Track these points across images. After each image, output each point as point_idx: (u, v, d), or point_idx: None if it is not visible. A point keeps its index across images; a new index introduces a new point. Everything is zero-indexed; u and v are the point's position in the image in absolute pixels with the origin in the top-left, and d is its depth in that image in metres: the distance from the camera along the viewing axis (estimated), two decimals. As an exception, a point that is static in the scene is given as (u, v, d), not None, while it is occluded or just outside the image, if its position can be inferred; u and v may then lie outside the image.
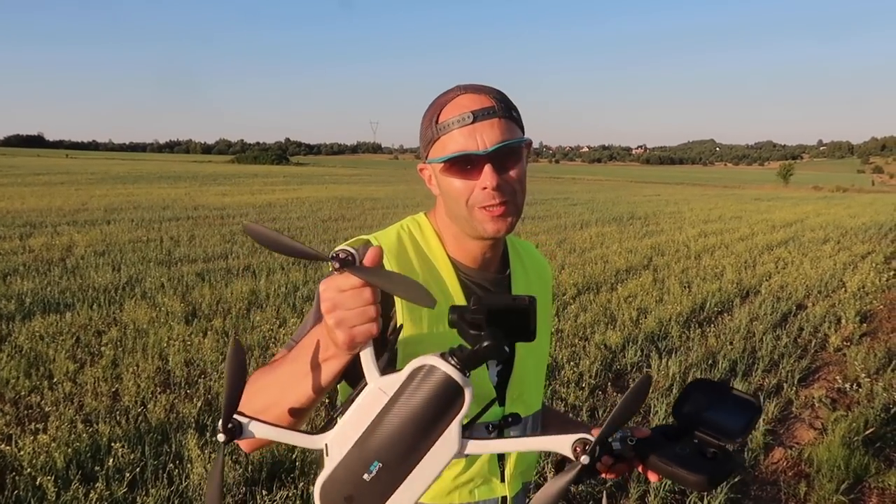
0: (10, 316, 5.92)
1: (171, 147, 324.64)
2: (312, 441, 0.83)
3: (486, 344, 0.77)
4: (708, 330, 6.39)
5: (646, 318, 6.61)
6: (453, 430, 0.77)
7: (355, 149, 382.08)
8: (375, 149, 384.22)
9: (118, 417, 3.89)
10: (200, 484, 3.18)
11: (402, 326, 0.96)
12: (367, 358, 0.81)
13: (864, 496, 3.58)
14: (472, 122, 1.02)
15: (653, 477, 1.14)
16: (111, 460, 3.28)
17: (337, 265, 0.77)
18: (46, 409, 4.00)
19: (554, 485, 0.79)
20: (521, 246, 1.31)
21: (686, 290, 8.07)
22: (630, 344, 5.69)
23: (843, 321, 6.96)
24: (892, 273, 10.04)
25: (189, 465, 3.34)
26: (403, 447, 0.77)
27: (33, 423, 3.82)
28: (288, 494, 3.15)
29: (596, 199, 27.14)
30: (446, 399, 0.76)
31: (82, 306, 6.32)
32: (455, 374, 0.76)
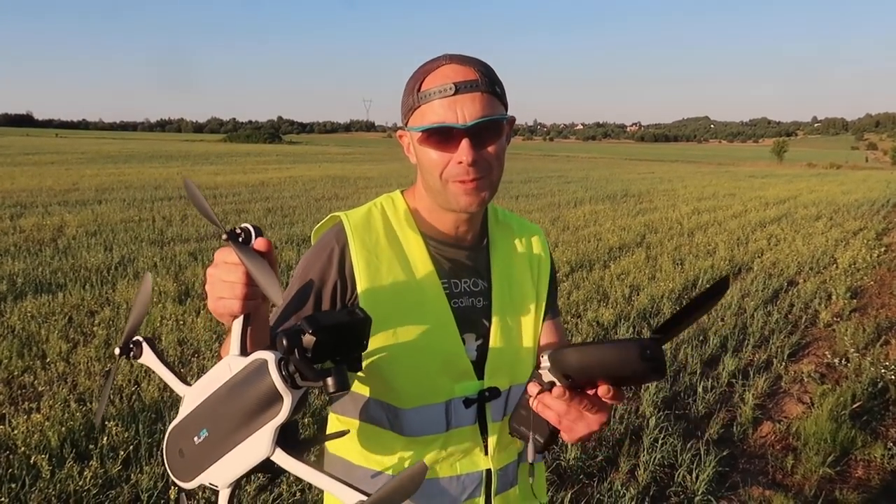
0: (2, 296, 5.90)
1: (163, 126, 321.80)
2: (180, 387, 0.87)
3: (333, 367, 0.78)
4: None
5: (638, 295, 6.64)
6: (266, 432, 0.77)
7: (348, 127, 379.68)
8: (369, 127, 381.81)
9: (112, 397, 3.90)
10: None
11: (370, 318, 0.90)
12: (235, 330, 0.83)
13: (850, 468, 3.64)
14: (454, 94, 1.00)
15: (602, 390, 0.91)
16: (105, 439, 3.30)
17: (225, 237, 0.80)
18: (40, 388, 4.01)
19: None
20: (511, 218, 1.29)
21: (678, 267, 8.10)
22: (622, 321, 5.72)
23: (834, 297, 7.01)
24: (883, 249, 10.10)
25: (183, 443, 3.36)
26: (223, 429, 0.79)
27: (27, 403, 3.83)
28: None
29: (590, 176, 27.11)
30: (266, 401, 0.77)
31: (74, 286, 6.30)
32: (278, 384, 0.76)
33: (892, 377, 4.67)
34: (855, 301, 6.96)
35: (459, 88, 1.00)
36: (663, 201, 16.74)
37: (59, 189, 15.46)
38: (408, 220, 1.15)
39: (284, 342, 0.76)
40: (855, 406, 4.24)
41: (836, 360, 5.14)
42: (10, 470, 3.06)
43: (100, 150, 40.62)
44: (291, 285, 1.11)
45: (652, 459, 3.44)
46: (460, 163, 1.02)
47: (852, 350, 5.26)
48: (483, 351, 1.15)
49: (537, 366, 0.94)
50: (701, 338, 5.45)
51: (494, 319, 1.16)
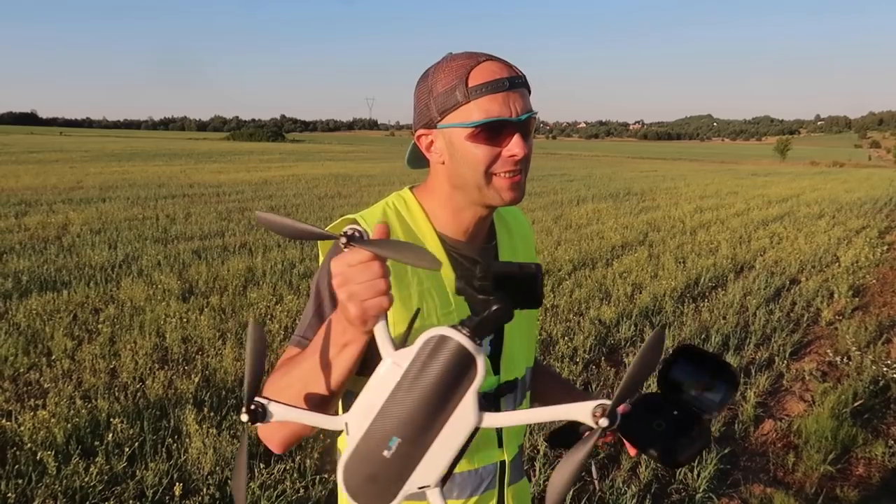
0: (8, 294, 5.94)
1: (166, 124, 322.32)
2: (333, 422, 0.82)
3: (495, 308, 0.76)
4: (702, 305, 6.44)
5: (640, 293, 6.65)
6: (469, 402, 0.75)
7: (351, 125, 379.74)
8: (371, 125, 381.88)
9: (117, 393, 3.93)
10: (199, 458, 3.23)
11: (419, 310, 0.94)
12: (381, 332, 0.81)
13: (851, 466, 3.65)
14: (508, 89, 1.01)
15: (632, 451, 1.18)
16: (110, 435, 3.32)
17: (344, 241, 0.78)
18: (45, 385, 4.04)
19: (573, 457, 0.75)
20: (507, 213, 1.30)
21: (681, 265, 8.11)
22: (624, 319, 5.74)
23: (836, 295, 7.02)
24: (885, 248, 10.10)
25: (187, 440, 3.38)
26: (420, 421, 0.75)
27: (33, 400, 3.86)
28: (285, 468, 3.21)
29: (593, 175, 27.09)
30: (459, 369, 0.74)
31: (79, 284, 6.33)
32: (467, 343, 0.74)
33: (894, 375, 4.68)
34: (857, 299, 6.96)
35: (512, 83, 1.02)
36: (666, 199, 16.74)
37: (64, 187, 15.51)
38: (422, 218, 1.14)
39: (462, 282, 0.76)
40: (856, 404, 4.25)
41: (838, 359, 5.15)
42: (17, 466, 3.09)
43: (104, 148, 40.70)
44: (314, 298, 1.07)
45: (653, 457, 3.45)
46: (512, 156, 1.03)
47: (854, 348, 5.27)
48: (497, 347, 1.16)
49: None
50: (703, 336, 5.46)
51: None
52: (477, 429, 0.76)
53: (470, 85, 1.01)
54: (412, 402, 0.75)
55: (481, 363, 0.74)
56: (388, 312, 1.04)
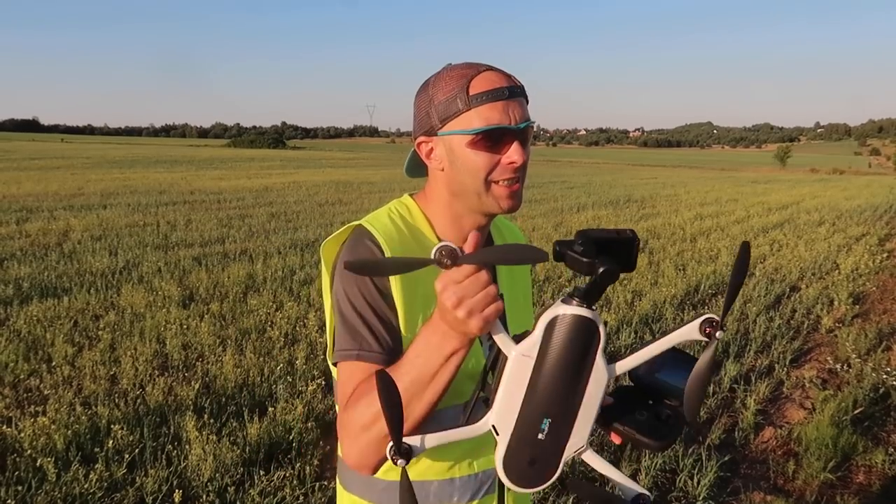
0: (8, 300, 5.94)
1: (167, 131, 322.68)
2: (478, 429, 0.86)
3: (602, 270, 0.79)
4: (702, 312, 6.40)
5: (640, 300, 6.65)
6: (600, 364, 0.82)
7: (352, 132, 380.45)
8: (372, 132, 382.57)
9: (117, 400, 3.93)
10: (199, 465, 3.23)
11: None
12: (500, 333, 0.84)
13: (852, 474, 3.64)
14: (507, 98, 1.03)
15: (616, 440, 1.19)
16: (110, 442, 3.32)
17: (448, 262, 0.79)
18: (45, 391, 4.04)
19: (699, 369, 0.86)
20: (499, 222, 1.32)
21: (681, 272, 8.11)
22: (624, 326, 5.74)
23: (836, 303, 7.01)
24: (885, 255, 10.10)
25: (187, 447, 3.38)
26: (564, 397, 0.82)
27: (33, 406, 3.86)
28: (285, 475, 3.20)
29: (593, 182, 27.12)
30: (585, 338, 0.80)
31: (80, 291, 6.34)
32: (583, 312, 0.80)
33: (894, 383, 4.67)
34: (857, 307, 6.96)
35: (511, 93, 1.04)
36: (666, 207, 16.75)
37: (65, 194, 15.54)
38: (425, 224, 1.15)
39: (558, 248, 0.83)
40: (856, 412, 4.25)
41: (838, 366, 5.15)
42: (17, 472, 3.08)
43: (105, 154, 40.79)
44: (351, 308, 1.05)
45: (653, 464, 3.45)
46: (510, 163, 1.05)
47: (854, 356, 5.26)
48: (496, 352, 1.18)
49: None
50: (703, 343, 5.45)
51: (504, 320, 1.19)
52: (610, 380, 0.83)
53: (471, 93, 1.03)
54: (552, 382, 0.81)
55: (601, 324, 0.81)
56: (401, 318, 1.06)
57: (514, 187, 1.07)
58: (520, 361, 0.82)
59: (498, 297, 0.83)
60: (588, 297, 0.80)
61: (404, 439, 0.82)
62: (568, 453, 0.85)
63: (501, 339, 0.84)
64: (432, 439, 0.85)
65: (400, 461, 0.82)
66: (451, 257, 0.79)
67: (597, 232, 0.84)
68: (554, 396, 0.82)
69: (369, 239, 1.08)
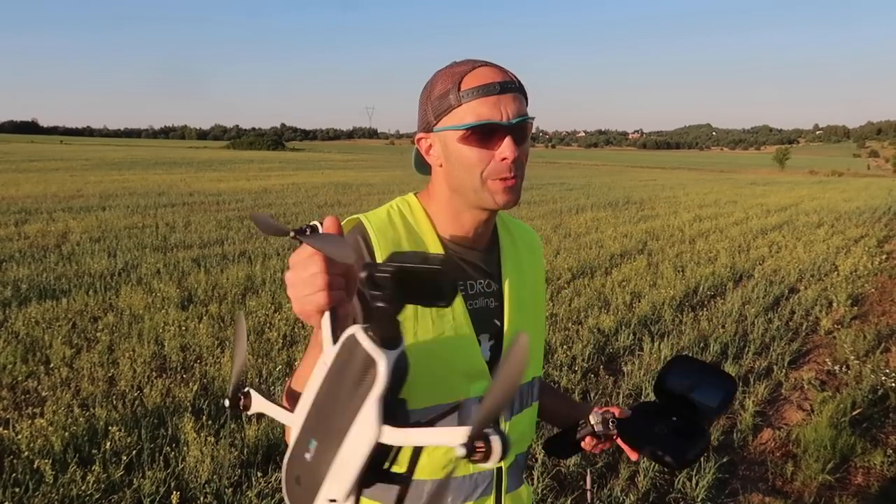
0: (7, 302, 5.93)
1: (167, 133, 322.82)
2: (288, 417, 0.79)
3: (378, 305, 0.67)
4: (700, 314, 6.44)
5: (639, 302, 6.65)
6: (369, 410, 0.66)
7: (351, 134, 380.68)
8: (371, 134, 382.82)
9: (115, 402, 3.92)
10: (196, 467, 3.22)
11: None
12: (325, 328, 0.75)
13: (850, 475, 3.64)
14: (499, 93, 1.03)
15: (633, 455, 1.18)
16: (108, 444, 3.32)
17: (292, 234, 0.75)
18: (43, 393, 4.04)
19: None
20: (509, 221, 1.31)
21: (680, 274, 8.11)
22: (623, 328, 5.74)
23: (835, 304, 7.02)
24: (884, 257, 10.10)
25: (185, 448, 3.38)
26: (330, 425, 0.69)
27: (30, 408, 3.85)
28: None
29: (592, 183, 27.14)
30: (360, 372, 0.67)
31: (78, 292, 6.33)
32: (366, 344, 0.67)
33: (893, 384, 4.67)
34: (856, 308, 6.97)
35: (504, 87, 1.03)
36: (665, 208, 16.76)
37: (64, 195, 15.53)
38: (425, 221, 1.15)
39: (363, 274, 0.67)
40: (855, 413, 4.25)
41: (837, 368, 5.15)
42: (14, 474, 3.08)
43: (104, 156, 40.78)
44: None
45: (652, 466, 3.44)
46: (504, 159, 1.04)
47: (853, 357, 5.27)
48: (496, 351, 1.16)
49: (587, 422, 1.23)
50: (702, 345, 5.46)
51: (507, 320, 1.17)
52: (381, 444, 0.66)
53: (462, 89, 1.03)
54: (326, 407, 0.70)
55: (383, 368, 0.66)
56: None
57: (510, 182, 1.06)
58: (320, 367, 0.73)
59: (324, 289, 0.75)
60: (377, 329, 0.68)
61: (251, 390, 0.84)
62: (323, 495, 0.69)
63: (324, 338, 0.75)
64: (263, 405, 0.82)
65: (226, 401, 0.83)
66: (296, 233, 0.75)
67: (409, 256, 0.70)
68: (323, 422, 0.70)
69: (360, 232, 1.09)
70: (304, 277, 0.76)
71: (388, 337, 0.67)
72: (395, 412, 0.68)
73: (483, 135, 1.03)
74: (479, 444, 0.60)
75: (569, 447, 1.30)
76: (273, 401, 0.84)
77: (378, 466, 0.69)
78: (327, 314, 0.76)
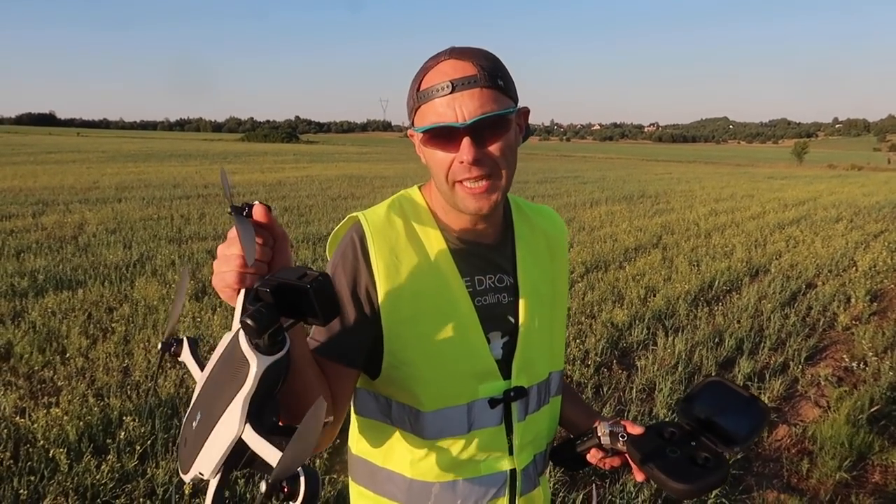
0: (24, 292, 6.00)
1: (182, 125, 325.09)
2: (198, 379, 0.84)
3: (256, 314, 0.70)
4: (716, 308, 6.37)
5: (654, 296, 6.60)
6: (236, 406, 0.70)
7: (365, 127, 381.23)
8: (385, 127, 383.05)
9: (129, 392, 3.96)
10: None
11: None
12: (237, 306, 0.77)
13: (867, 473, 3.59)
14: (451, 92, 0.96)
15: (639, 476, 1.13)
16: (122, 433, 3.35)
17: (229, 210, 0.79)
18: (59, 383, 4.08)
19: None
20: (528, 207, 1.25)
21: (695, 268, 8.04)
22: (637, 322, 5.70)
23: (853, 300, 6.92)
24: (904, 252, 9.94)
25: (198, 439, 3.39)
26: (212, 407, 0.73)
27: (46, 397, 3.90)
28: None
29: (606, 177, 26.96)
30: (237, 369, 0.71)
31: (94, 283, 6.39)
32: (244, 344, 0.71)
33: (912, 382, 4.60)
34: (875, 304, 6.86)
35: (456, 86, 0.96)
36: (680, 202, 16.61)
37: (80, 187, 15.67)
38: (427, 217, 1.11)
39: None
40: (873, 410, 4.19)
41: (854, 364, 5.08)
42: (30, 463, 3.11)
43: (120, 148, 41.11)
44: None
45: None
46: (462, 162, 0.98)
47: (871, 354, 5.19)
48: (510, 349, 1.12)
49: (594, 433, 1.16)
50: (716, 339, 5.41)
51: (521, 316, 1.12)
52: (243, 441, 0.69)
53: (420, 89, 1.00)
54: (212, 387, 0.76)
55: (253, 371, 0.69)
56: (383, 316, 1.03)
57: (476, 189, 1.00)
58: (221, 344, 0.79)
59: (236, 269, 0.77)
60: (252, 333, 0.70)
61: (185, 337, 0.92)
62: (196, 466, 0.73)
63: (236, 315, 0.76)
64: (188, 357, 0.90)
65: (160, 343, 0.91)
66: (232, 209, 0.78)
67: (289, 272, 0.74)
68: (208, 399, 0.75)
69: (356, 231, 1.07)
70: (227, 255, 0.79)
71: (264, 344, 0.71)
72: (261, 414, 0.72)
73: (440, 137, 0.99)
74: (284, 485, 0.64)
75: (574, 459, 1.23)
76: (197, 357, 0.90)
77: (242, 454, 0.72)
78: (241, 293, 0.78)
